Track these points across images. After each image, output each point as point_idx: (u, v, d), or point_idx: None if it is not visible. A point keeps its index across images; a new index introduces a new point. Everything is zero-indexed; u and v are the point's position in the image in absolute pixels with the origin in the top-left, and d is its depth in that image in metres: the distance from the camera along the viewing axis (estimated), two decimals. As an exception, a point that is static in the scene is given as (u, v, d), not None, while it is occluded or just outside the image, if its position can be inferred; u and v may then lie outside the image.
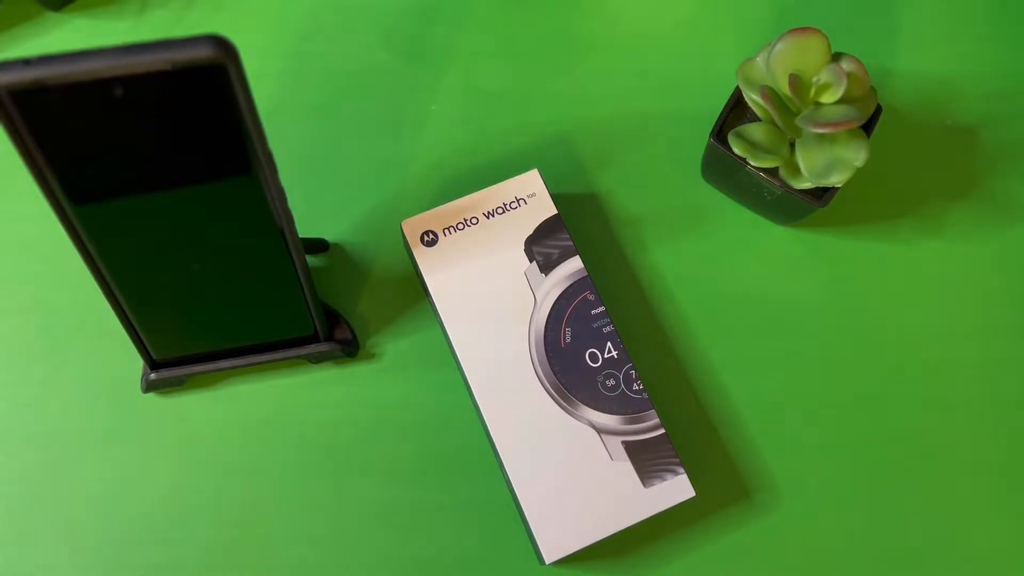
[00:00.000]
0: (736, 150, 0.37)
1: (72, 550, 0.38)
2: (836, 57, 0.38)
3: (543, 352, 0.37)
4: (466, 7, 0.47)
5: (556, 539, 0.35)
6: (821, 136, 0.38)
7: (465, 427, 0.40)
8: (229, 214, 0.31)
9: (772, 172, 0.39)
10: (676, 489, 0.36)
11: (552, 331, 0.38)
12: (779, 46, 0.38)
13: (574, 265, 0.39)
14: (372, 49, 0.46)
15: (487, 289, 0.38)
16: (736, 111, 0.40)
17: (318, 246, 0.42)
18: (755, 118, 0.40)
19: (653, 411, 0.37)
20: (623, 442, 0.36)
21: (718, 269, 0.43)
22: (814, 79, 0.38)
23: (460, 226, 0.39)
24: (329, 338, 0.39)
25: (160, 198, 0.29)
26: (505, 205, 0.40)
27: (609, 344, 0.38)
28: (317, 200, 0.43)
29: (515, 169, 0.44)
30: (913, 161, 0.45)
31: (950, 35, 0.47)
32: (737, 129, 0.38)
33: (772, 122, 0.39)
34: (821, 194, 0.39)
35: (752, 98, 0.38)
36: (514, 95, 0.46)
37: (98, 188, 0.28)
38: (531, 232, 0.39)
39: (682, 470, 0.36)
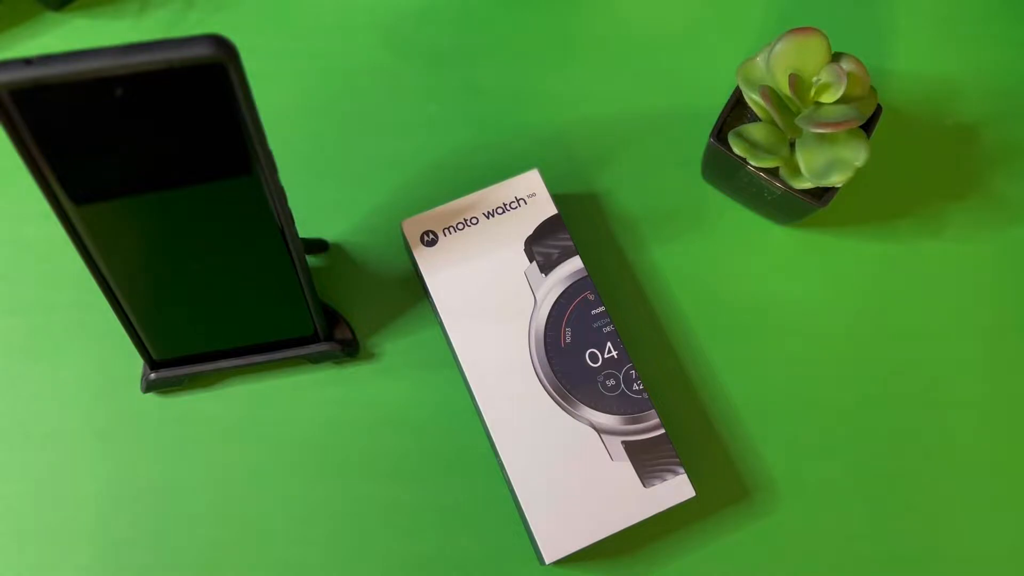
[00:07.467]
0: (736, 150, 0.37)
1: (72, 550, 0.38)
2: (836, 57, 0.38)
3: (543, 352, 0.37)
4: (466, 7, 0.47)
5: (556, 539, 0.35)
6: (821, 136, 0.38)
7: (465, 427, 0.40)
8: (229, 214, 0.31)
9: (772, 172, 0.39)
10: (676, 489, 0.36)
11: (552, 331, 0.38)
12: (779, 46, 0.38)
13: (574, 265, 0.39)
14: (372, 49, 0.46)
15: (487, 289, 0.38)
16: (736, 111, 0.40)
17: (318, 246, 0.42)
18: (755, 118, 0.40)
19: (653, 411, 0.37)
20: (623, 442, 0.36)
21: (718, 269, 0.43)
22: (814, 79, 0.38)
23: (460, 226, 0.39)
24: (329, 338, 0.39)
25: (160, 198, 0.29)
26: (505, 205, 0.40)
27: (609, 344, 0.38)
28: (317, 200, 0.43)
29: (515, 169, 0.44)
30: (913, 161, 0.45)
31: (950, 35, 0.47)
32: (737, 129, 0.38)
33: (772, 122, 0.39)
34: (821, 194, 0.39)
35: (752, 98, 0.38)
36: (514, 95, 0.46)
37: (98, 188, 0.28)
38: (531, 232, 0.39)
39: (682, 470, 0.36)
